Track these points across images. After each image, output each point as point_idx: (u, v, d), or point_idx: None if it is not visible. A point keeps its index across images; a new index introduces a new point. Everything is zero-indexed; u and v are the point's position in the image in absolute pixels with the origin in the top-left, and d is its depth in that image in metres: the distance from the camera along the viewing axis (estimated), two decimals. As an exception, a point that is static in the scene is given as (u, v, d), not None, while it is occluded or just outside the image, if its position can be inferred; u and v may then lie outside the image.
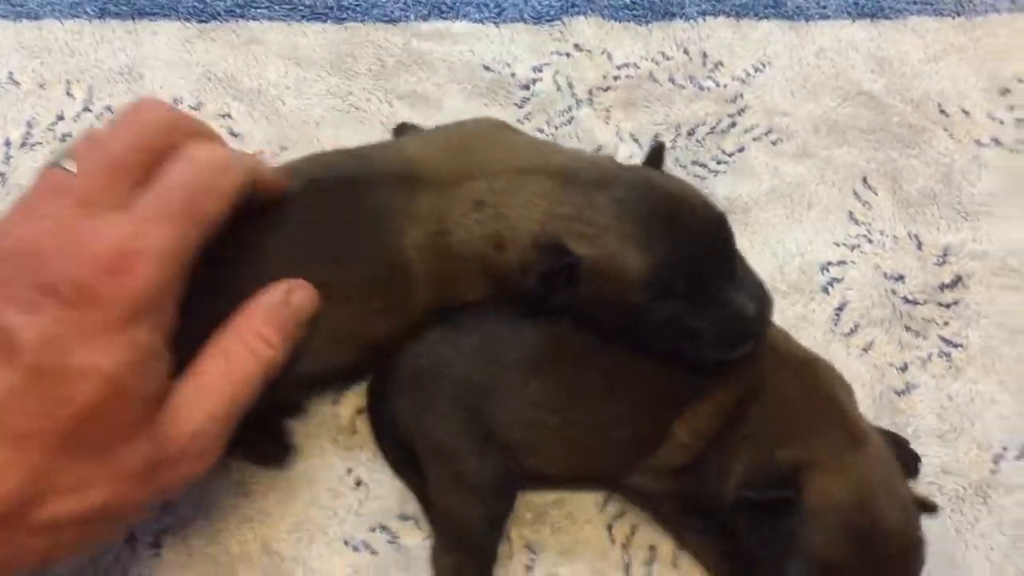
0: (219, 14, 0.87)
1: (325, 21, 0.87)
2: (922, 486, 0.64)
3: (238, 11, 0.87)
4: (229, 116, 0.81)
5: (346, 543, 0.63)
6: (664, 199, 0.54)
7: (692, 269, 0.52)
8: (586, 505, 0.64)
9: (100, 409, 0.41)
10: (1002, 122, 0.84)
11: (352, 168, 0.61)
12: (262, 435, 0.61)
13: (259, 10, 0.87)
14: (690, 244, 0.52)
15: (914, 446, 0.66)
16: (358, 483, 0.64)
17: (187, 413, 0.45)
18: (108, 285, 0.41)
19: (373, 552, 0.62)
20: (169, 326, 0.45)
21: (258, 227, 0.55)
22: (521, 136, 0.65)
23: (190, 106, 0.81)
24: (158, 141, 0.47)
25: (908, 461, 0.64)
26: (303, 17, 0.88)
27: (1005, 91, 0.86)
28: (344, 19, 0.88)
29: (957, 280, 0.73)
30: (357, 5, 0.89)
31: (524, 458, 0.58)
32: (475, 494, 0.57)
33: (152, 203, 0.45)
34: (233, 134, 0.80)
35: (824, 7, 0.91)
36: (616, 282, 0.53)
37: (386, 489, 0.64)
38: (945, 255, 0.75)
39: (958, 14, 0.91)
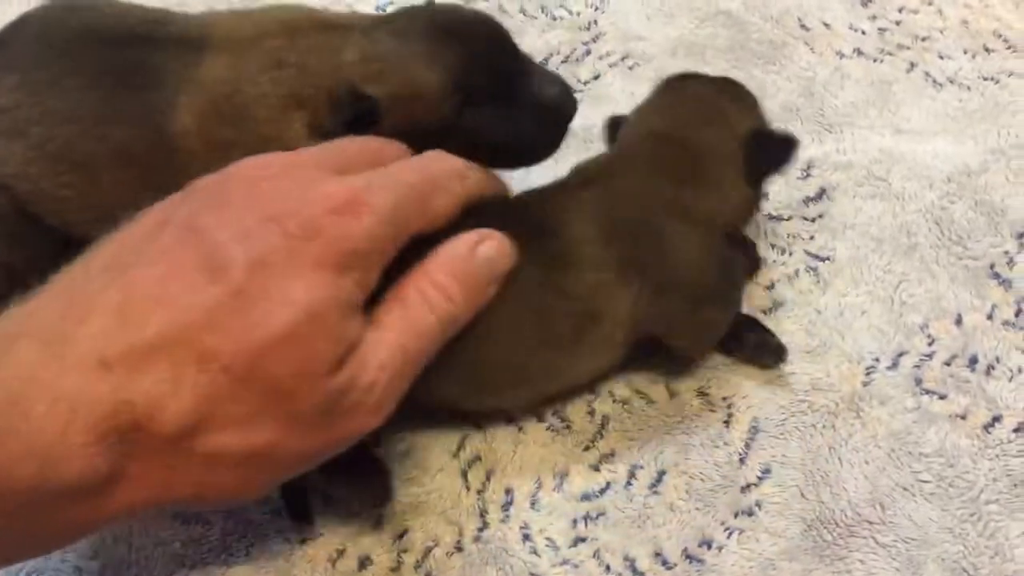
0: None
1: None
2: (792, 404, 0.61)
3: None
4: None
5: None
6: (437, 17, 0.55)
7: (485, 70, 0.54)
8: (437, 452, 0.59)
9: (291, 341, 0.39)
10: (864, 32, 0.81)
11: (145, 27, 0.58)
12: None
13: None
14: (473, 48, 0.54)
15: (783, 365, 0.62)
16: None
17: (362, 363, 0.43)
18: (333, 223, 0.41)
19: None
20: (370, 289, 0.44)
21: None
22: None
23: None
24: (386, 150, 0.51)
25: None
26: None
27: (866, 1, 0.84)
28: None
29: (821, 192, 0.70)
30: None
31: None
32: None
33: (389, 177, 0.46)
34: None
35: (678, -72, 0.87)
36: (420, 104, 0.53)
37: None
38: (809, 168, 0.72)
39: (816, -73, 0.87)
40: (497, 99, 0.54)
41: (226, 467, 0.41)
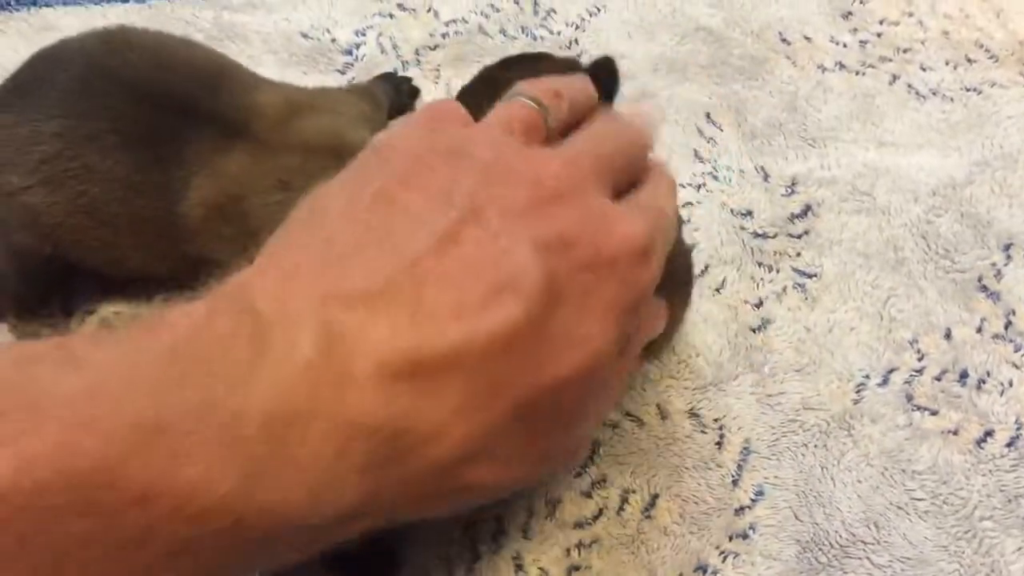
0: (9, 3, 0.80)
1: (127, 1, 0.81)
2: (783, 423, 0.60)
3: (30, -1, 0.80)
4: (21, 110, 0.73)
5: None
6: None
7: None
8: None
9: (571, 387, 0.36)
10: (845, 45, 0.81)
11: (195, 93, 0.57)
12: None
13: (53, -5, 0.80)
14: None
15: (773, 383, 0.62)
16: None
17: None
18: (630, 271, 0.37)
19: None
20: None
21: None
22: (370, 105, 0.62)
23: (-23, 103, 0.73)
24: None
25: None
26: (101, -1, 0.81)
27: (847, 14, 0.84)
28: (146, -2, 0.81)
29: (807, 209, 0.70)
30: (161, -18, 0.82)
31: None
32: None
33: (654, 206, 0.41)
34: (26, 128, 0.73)
35: (658, -55, 0.87)
36: None
37: None
38: (793, 185, 0.71)
39: (794, -59, 0.88)
40: None
41: (463, 495, 0.37)
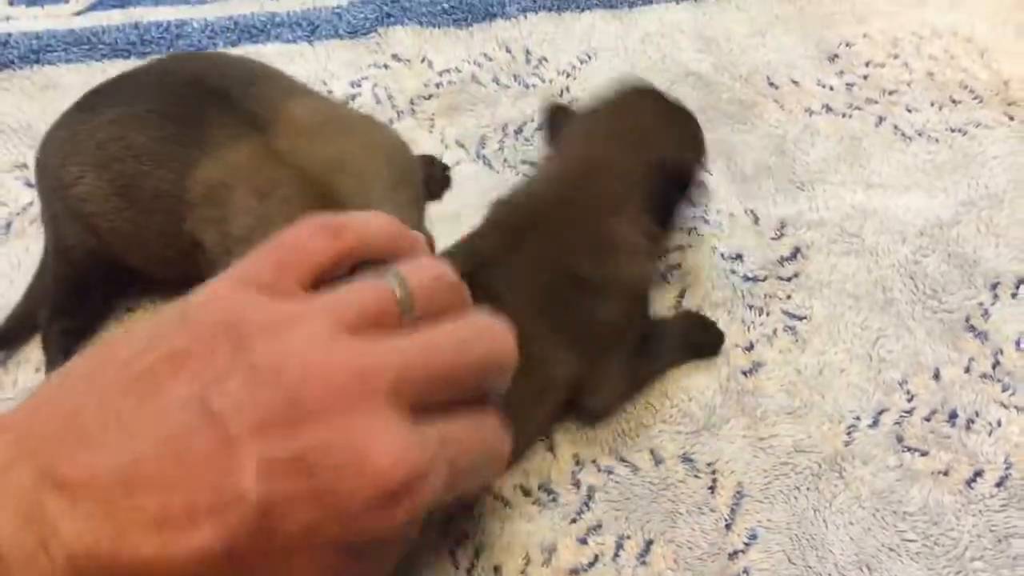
0: (12, 61, 0.82)
1: (127, 58, 0.83)
2: (775, 467, 0.61)
3: (33, 57, 0.82)
4: (25, 166, 0.75)
5: None
6: None
7: None
8: (425, 532, 0.59)
9: None
10: (832, 88, 0.83)
11: (234, 85, 0.60)
12: None
13: (55, 54, 0.83)
14: None
15: (765, 427, 0.63)
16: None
17: None
18: (369, 513, 0.32)
19: None
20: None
21: None
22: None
23: (-19, 160, 0.75)
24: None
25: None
26: (103, 56, 0.83)
27: (834, 57, 0.85)
28: (148, 54, 0.83)
29: (796, 252, 0.71)
30: (161, 38, 0.84)
31: None
32: None
33: (446, 455, 0.35)
34: (30, 184, 0.74)
35: (646, -8, 0.89)
36: None
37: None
38: (782, 228, 0.73)
39: (781, -15, 0.90)
40: None
41: None
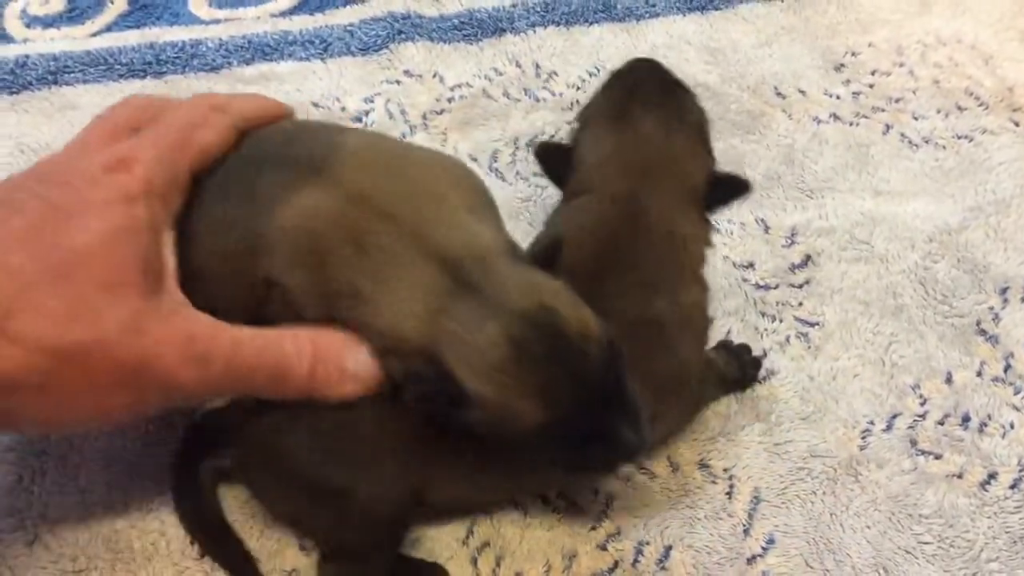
0: (31, 83, 0.83)
1: (144, 78, 0.84)
2: (791, 471, 0.62)
3: (50, 78, 0.84)
4: (45, 186, 0.76)
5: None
6: (564, 344, 0.48)
7: (587, 414, 0.48)
8: (446, 540, 0.60)
9: (91, 258, 0.46)
10: (839, 97, 0.84)
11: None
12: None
13: (73, 75, 0.84)
14: (587, 394, 0.48)
15: (779, 432, 0.64)
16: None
17: (195, 317, 0.50)
18: (109, 177, 0.49)
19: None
20: (169, 215, 0.52)
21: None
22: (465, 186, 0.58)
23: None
24: (153, 111, 0.56)
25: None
26: (120, 77, 0.84)
27: (840, 66, 0.86)
28: (163, 73, 0.85)
29: (807, 259, 0.72)
30: (176, 58, 0.86)
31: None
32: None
33: (148, 134, 0.52)
34: (50, 204, 0.75)
35: (654, 5, 0.90)
36: (508, 422, 0.49)
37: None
38: (793, 236, 0.74)
39: (786, -4, 0.91)
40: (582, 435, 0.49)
41: (55, 371, 0.45)
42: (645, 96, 0.61)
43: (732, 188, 0.60)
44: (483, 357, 0.48)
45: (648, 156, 0.58)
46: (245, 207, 0.54)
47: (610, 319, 0.51)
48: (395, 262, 0.51)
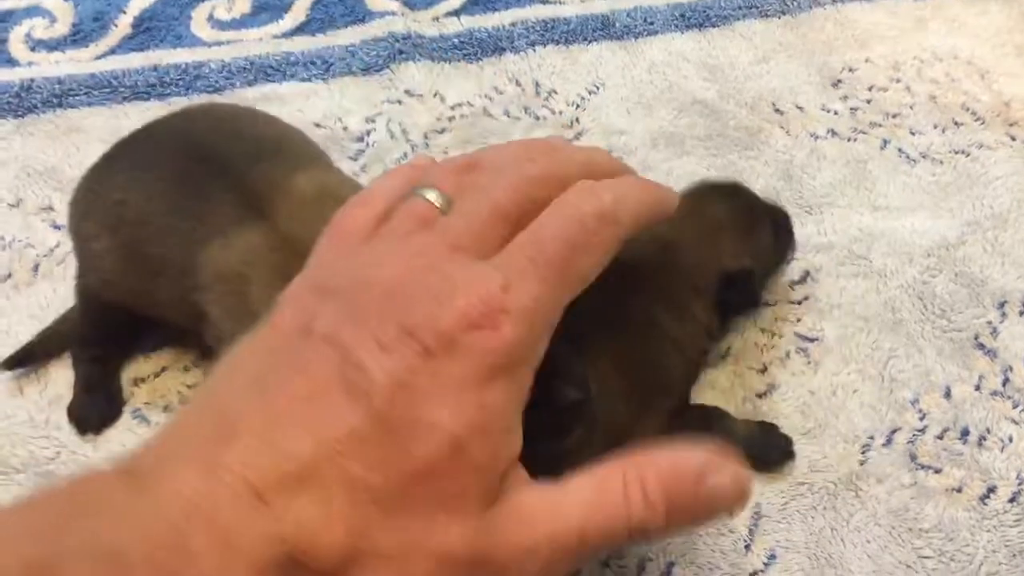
0: (36, 107, 0.84)
1: (148, 100, 0.85)
2: (792, 487, 0.62)
3: (56, 101, 0.85)
4: (51, 208, 0.77)
5: None
6: None
7: None
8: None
9: (438, 471, 0.35)
10: (836, 112, 0.84)
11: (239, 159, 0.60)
12: None
13: (77, 98, 0.85)
14: None
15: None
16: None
17: (529, 519, 0.37)
18: (471, 339, 0.36)
19: None
20: (524, 396, 0.39)
21: None
22: None
23: (9, 204, 0.77)
24: (542, 191, 0.41)
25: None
26: (124, 99, 0.85)
27: (837, 82, 0.87)
28: (167, 95, 0.86)
29: (805, 275, 0.73)
30: (180, 80, 0.86)
31: None
32: None
33: (526, 258, 0.39)
34: (56, 227, 0.76)
35: (651, 23, 0.91)
36: None
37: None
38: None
39: (783, 13, 0.92)
40: None
41: None
42: (709, 195, 0.67)
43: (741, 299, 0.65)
44: None
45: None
46: (189, 221, 0.57)
47: (616, 320, 0.55)
48: None
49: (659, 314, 0.60)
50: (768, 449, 0.64)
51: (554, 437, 0.51)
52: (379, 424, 0.35)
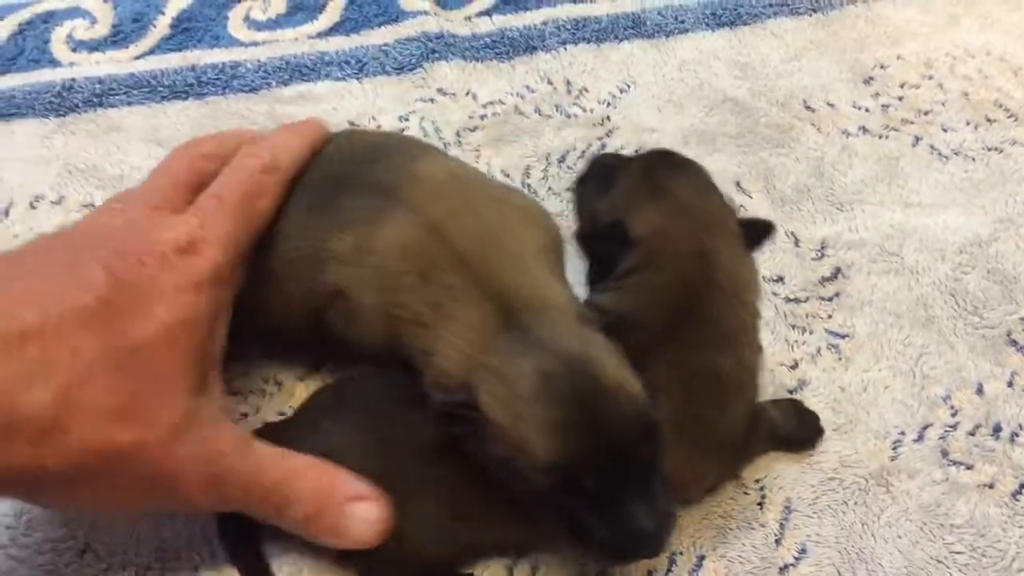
0: (77, 106, 0.86)
1: (186, 99, 0.86)
2: (823, 482, 0.63)
3: (96, 101, 0.86)
4: (92, 205, 0.79)
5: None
6: (594, 389, 0.48)
7: (603, 473, 0.47)
8: (494, 568, 0.61)
9: (151, 351, 0.46)
10: (867, 110, 0.84)
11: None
12: None
13: (117, 97, 0.86)
14: (608, 447, 0.47)
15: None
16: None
17: (225, 431, 0.50)
18: (183, 260, 0.49)
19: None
20: (230, 298, 0.53)
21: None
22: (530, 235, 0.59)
23: (52, 201, 0.79)
24: (211, 164, 0.57)
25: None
26: (163, 98, 0.87)
27: (868, 79, 0.87)
28: (205, 95, 0.87)
29: (837, 272, 0.73)
30: (217, 79, 0.88)
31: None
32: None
33: (213, 205, 0.53)
34: (97, 223, 0.78)
35: (683, 22, 0.91)
36: (520, 457, 0.48)
37: None
38: (823, 248, 0.74)
39: (814, 11, 0.92)
40: (596, 497, 0.48)
41: (94, 470, 0.45)
42: (667, 171, 0.65)
43: (760, 231, 0.64)
44: (509, 386, 0.49)
45: (698, 215, 0.62)
46: (323, 219, 0.58)
47: (676, 369, 0.55)
48: (456, 299, 0.53)
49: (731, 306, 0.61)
50: (803, 427, 0.64)
51: (607, 553, 0.51)
52: (106, 306, 0.45)
